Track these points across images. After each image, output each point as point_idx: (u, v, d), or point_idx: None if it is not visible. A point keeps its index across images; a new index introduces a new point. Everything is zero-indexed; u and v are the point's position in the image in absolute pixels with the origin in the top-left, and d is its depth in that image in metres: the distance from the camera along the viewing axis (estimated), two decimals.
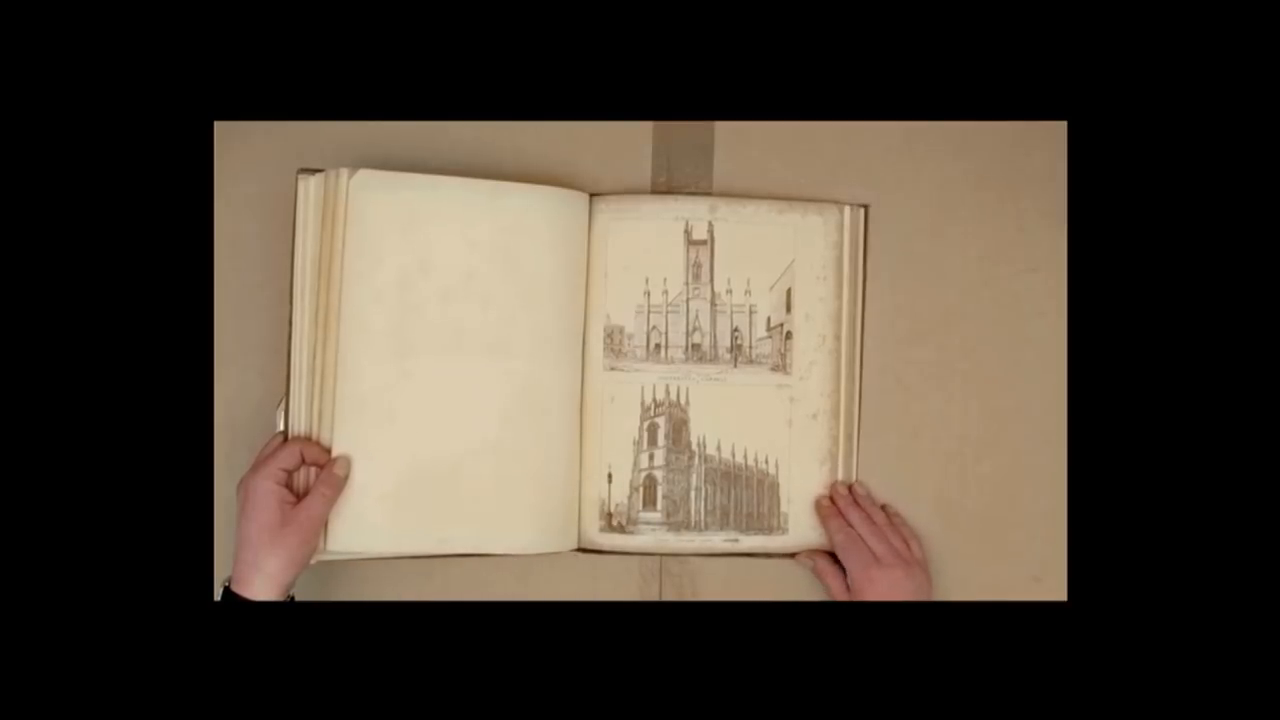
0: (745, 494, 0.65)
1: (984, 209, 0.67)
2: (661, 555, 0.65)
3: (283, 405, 0.61)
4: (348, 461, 0.58)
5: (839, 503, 0.65)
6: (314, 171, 0.60)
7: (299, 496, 0.57)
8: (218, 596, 0.55)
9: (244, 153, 0.64)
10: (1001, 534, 0.66)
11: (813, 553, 0.65)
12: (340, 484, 0.58)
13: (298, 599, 0.57)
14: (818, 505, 0.65)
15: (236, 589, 0.54)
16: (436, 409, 0.60)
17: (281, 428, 0.61)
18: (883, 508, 0.65)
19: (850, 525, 0.63)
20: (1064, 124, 0.61)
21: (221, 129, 0.60)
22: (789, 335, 0.66)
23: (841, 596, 0.63)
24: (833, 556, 0.64)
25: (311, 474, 0.58)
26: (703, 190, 0.66)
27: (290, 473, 0.57)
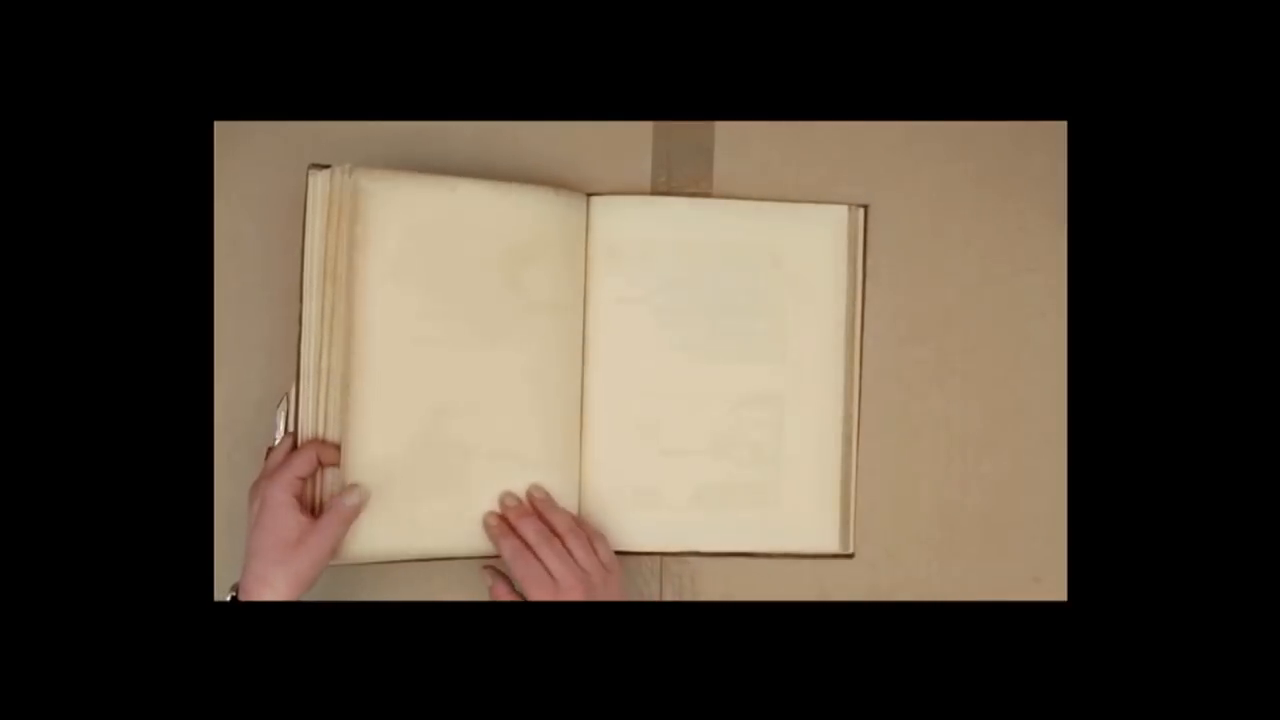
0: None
1: (984, 209, 0.67)
2: (662, 555, 0.65)
3: (283, 406, 0.60)
4: (363, 492, 0.57)
5: (509, 515, 0.59)
6: (324, 167, 0.59)
7: (312, 506, 0.57)
8: (219, 597, 0.55)
9: (245, 152, 0.64)
10: (1001, 534, 0.66)
11: (492, 568, 0.61)
12: (357, 512, 0.57)
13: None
14: (485, 523, 0.60)
15: (244, 599, 0.54)
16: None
17: (282, 428, 0.61)
18: (568, 516, 0.61)
19: (526, 546, 0.58)
20: (1064, 124, 0.61)
21: (222, 129, 0.60)
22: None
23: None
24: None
25: (326, 481, 0.57)
26: (702, 190, 0.66)
27: (304, 481, 0.56)
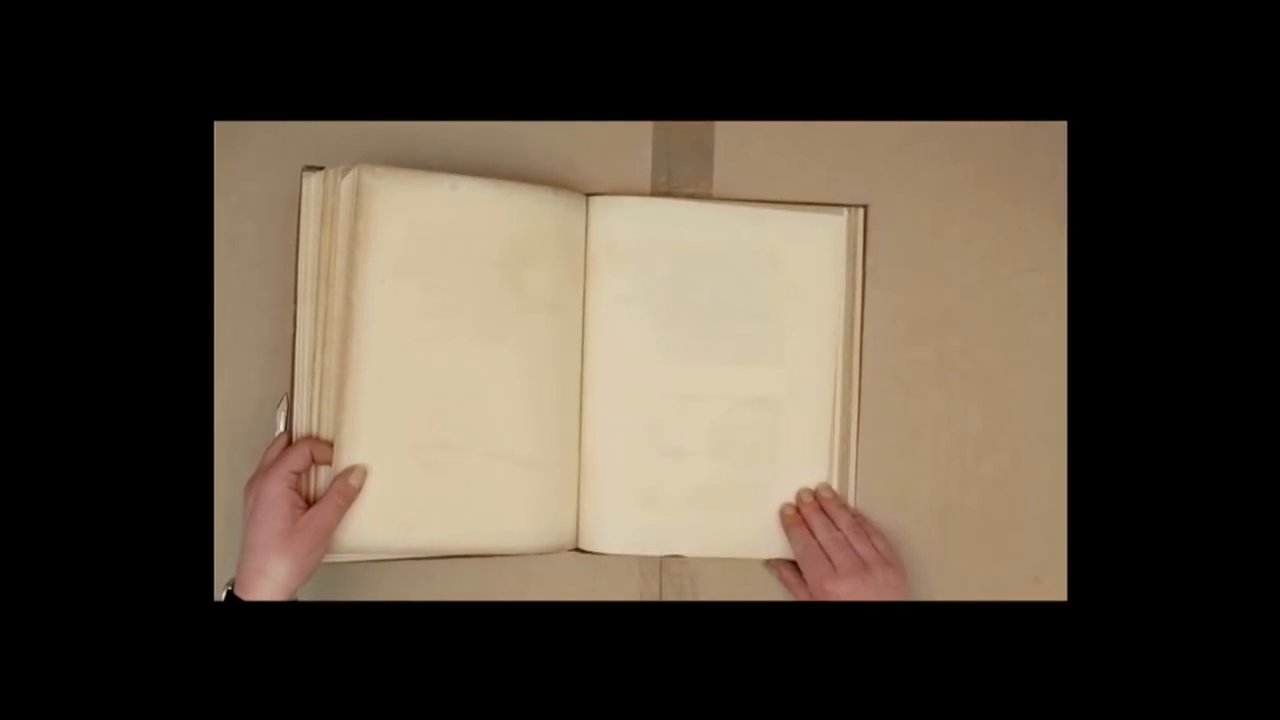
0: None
1: (984, 209, 0.67)
2: (661, 556, 0.65)
3: (283, 405, 0.61)
4: (363, 472, 0.57)
5: (803, 510, 0.65)
6: (317, 169, 0.60)
7: (308, 500, 0.57)
8: (219, 597, 0.55)
9: (244, 152, 0.64)
10: (1001, 534, 0.66)
11: (778, 561, 0.65)
12: (354, 494, 0.57)
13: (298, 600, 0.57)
14: (781, 514, 0.65)
15: (240, 594, 0.54)
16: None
17: (282, 428, 0.61)
18: (851, 513, 0.65)
19: (812, 534, 0.63)
20: (1064, 124, 0.61)
21: (222, 129, 0.60)
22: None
23: (799, 593, 0.64)
24: (797, 565, 0.64)
25: (321, 476, 0.58)
26: (703, 190, 0.66)
27: (300, 475, 0.57)
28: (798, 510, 0.65)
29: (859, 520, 0.64)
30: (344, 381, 0.58)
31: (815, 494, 0.65)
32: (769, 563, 0.66)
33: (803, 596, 0.63)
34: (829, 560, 0.61)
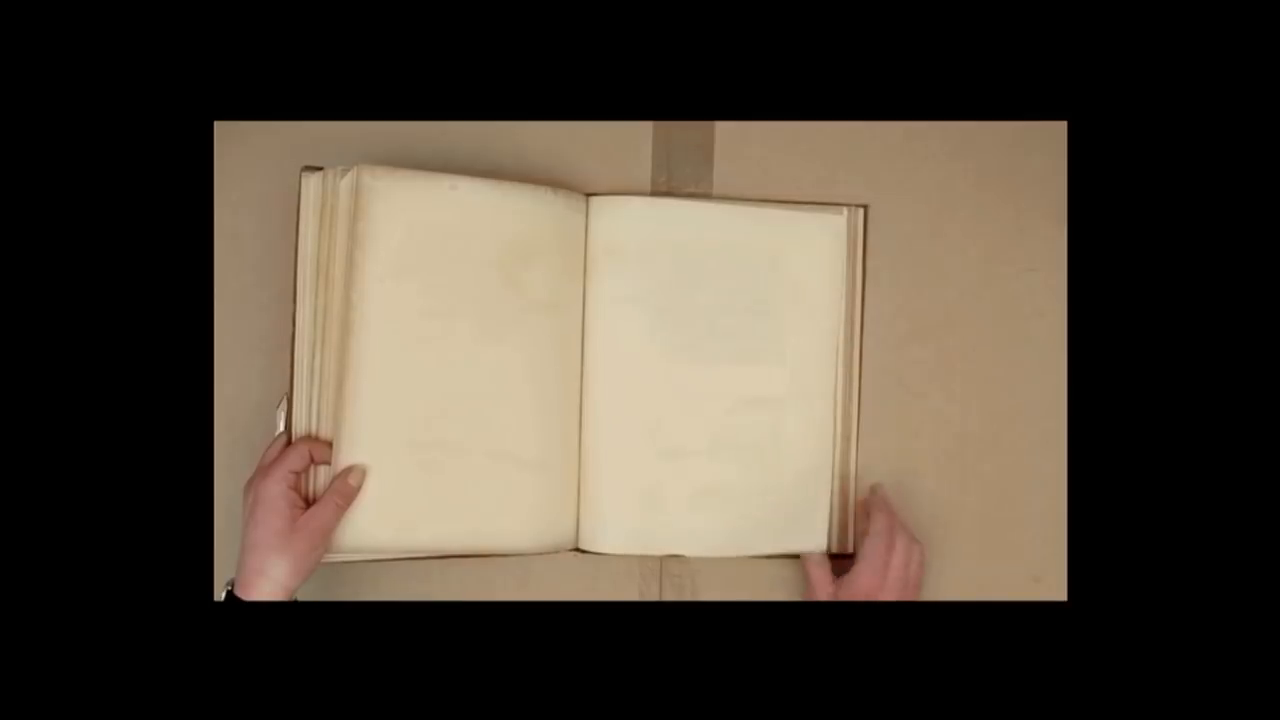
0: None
1: (984, 209, 0.67)
2: (661, 556, 0.65)
3: (283, 405, 0.61)
4: (362, 472, 0.57)
5: (890, 519, 0.62)
6: (316, 169, 0.60)
7: (308, 500, 0.57)
8: (219, 597, 0.55)
9: (244, 153, 0.64)
10: (1001, 534, 0.66)
11: (810, 557, 0.63)
12: (353, 494, 0.57)
13: (297, 599, 0.57)
14: (872, 489, 0.64)
15: (240, 593, 0.54)
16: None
17: (282, 428, 0.61)
18: None
19: (889, 521, 0.61)
20: (1064, 124, 0.61)
21: (221, 129, 0.60)
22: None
23: (821, 588, 0.61)
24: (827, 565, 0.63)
25: (320, 476, 0.58)
26: (703, 190, 0.66)
27: (299, 475, 0.57)
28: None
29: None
30: (343, 381, 0.58)
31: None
32: (804, 556, 0.63)
33: (821, 597, 0.62)
34: (886, 568, 0.59)
